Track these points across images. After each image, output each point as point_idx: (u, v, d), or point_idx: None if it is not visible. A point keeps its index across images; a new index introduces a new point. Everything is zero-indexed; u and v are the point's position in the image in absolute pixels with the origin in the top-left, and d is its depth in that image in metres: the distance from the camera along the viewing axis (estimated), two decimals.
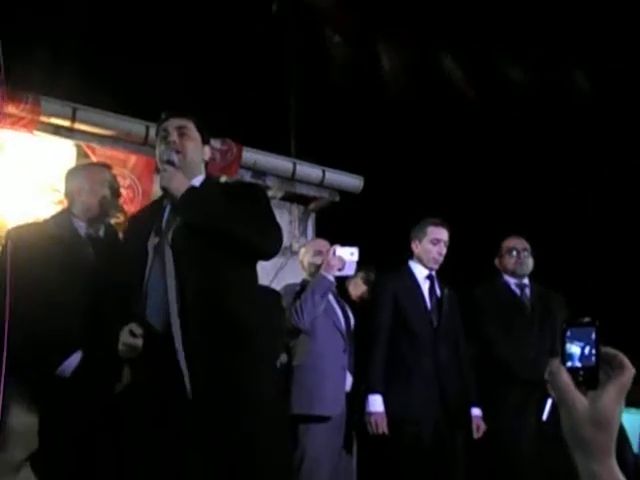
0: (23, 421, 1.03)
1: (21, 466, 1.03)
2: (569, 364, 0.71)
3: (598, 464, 0.63)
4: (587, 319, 0.74)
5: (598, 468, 0.63)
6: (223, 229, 1.66)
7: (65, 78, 3.77)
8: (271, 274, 4.22)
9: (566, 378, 0.68)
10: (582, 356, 0.72)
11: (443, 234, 2.71)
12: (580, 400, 0.66)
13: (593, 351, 0.71)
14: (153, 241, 1.71)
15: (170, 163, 1.74)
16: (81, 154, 3.60)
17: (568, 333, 0.73)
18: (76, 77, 3.87)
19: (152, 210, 1.84)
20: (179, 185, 1.71)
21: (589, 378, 0.70)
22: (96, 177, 2.12)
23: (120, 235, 2.27)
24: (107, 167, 2.23)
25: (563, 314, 2.86)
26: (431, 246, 2.69)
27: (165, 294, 1.61)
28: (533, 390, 2.61)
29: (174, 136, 1.79)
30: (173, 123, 1.82)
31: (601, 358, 0.71)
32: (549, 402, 2.55)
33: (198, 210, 1.69)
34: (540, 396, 2.58)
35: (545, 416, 2.54)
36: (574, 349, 0.72)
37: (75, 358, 1.82)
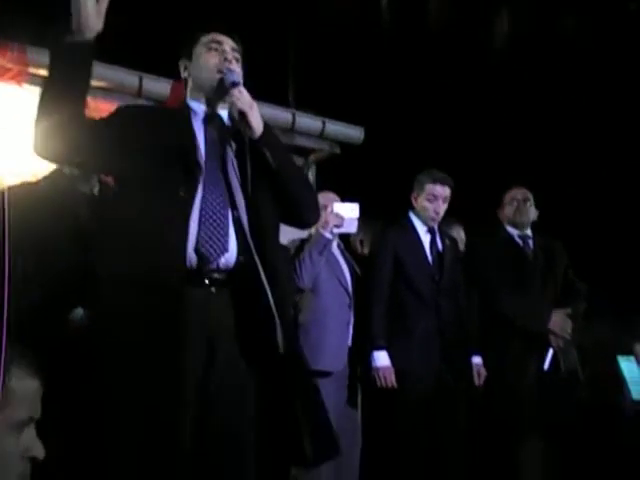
0: (23, 383, 1.02)
1: (23, 427, 1.02)
2: None
3: None
4: None
5: None
6: (292, 181, 1.51)
7: (53, 26, 3.61)
8: None
9: None
10: None
11: (440, 191, 2.64)
12: None
13: None
14: (204, 160, 1.44)
15: (240, 86, 1.47)
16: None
17: None
18: (65, 25, 3.70)
19: (183, 121, 1.52)
20: (258, 116, 1.46)
21: None
22: None
23: None
24: None
25: (564, 262, 2.87)
26: (427, 203, 2.65)
27: (234, 227, 1.39)
28: (535, 340, 2.63)
29: (231, 56, 1.54)
30: (229, 42, 1.57)
31: None
32: (550, 352, 2.58)
33: (280, 153, 1.51)
34: (541, 346, 2.61)
35: (546, 366, 2.57)
36: None
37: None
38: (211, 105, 1.55)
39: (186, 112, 1.55)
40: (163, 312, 1.28)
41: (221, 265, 1.38)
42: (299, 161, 4.59)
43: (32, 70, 3.25)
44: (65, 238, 1.86)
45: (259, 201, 1.44)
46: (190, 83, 1.58)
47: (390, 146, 5.23)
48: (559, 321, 2.62)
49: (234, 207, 1.43)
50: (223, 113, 1.57)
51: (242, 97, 1.46)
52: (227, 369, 1.36)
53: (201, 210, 1.39)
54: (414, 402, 2.44)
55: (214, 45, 1.55)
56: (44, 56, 3.37)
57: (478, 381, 2.58)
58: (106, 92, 3.55)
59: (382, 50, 5.11)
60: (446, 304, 2.57)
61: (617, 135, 5.03)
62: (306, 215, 1.61)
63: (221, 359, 1.36)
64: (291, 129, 4.31)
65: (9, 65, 3.11)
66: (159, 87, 3.70)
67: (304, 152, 4.50)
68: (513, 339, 2.65)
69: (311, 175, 4.61)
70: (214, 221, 1.39)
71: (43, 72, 3.38)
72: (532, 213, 2.88)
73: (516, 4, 4.87)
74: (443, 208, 2.67)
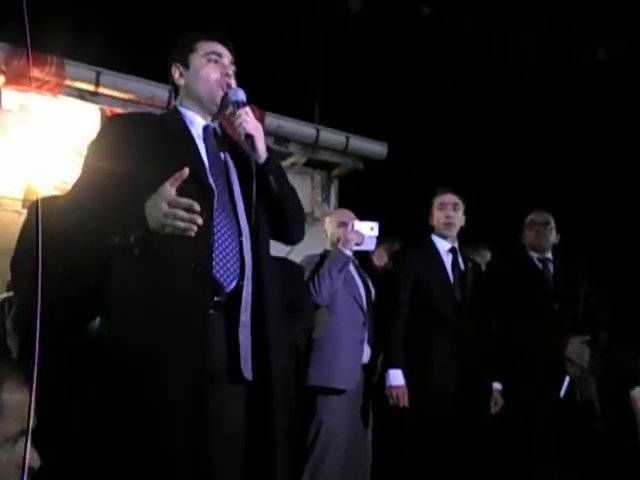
0: (14, 397, 1.06)
1: (17, 439, 1.06)
2: None
3: None
4: None
5: None
6: (289, 203, 1.53)
7: (89, 41, 3.76)
8: None
9: None
10: None
11: (447, 198, 2.71)
12: None
13: None
14: (216, 184, 1.41)
15: (246, 106, 1.43)
16: (105, 118, 3.63)
17: None
18: (100, 40, 3.85)
19: (182, 133, 1.47)
20: (263, 139, 1.45)
21: None
22: None
23: None
24: None
25: (585, 288, 2.83)
26: (439, 213, 2.71)
27: (239, 253, 1.38)
28: (551, 367, 2.59)
29: (231, 71, 1.51)
30: (227, 55, 1.52)
31: None
32: (567, 379, 2.54)
33: (282, 176, 1.51)
34: (558, 373, 2.57)
35: (562, 393, 2.53)
36: None
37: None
38: (209, 117, 1.52)
39: (180, 120, 1.49)
40: (186, 336, 1.28)
41: (227, 290, 1.36)
42: (322, 175, 4.65)
43: (68, 83, 3.39)
44: (86, 250, 1.93)
45: (259, 225, 1.44)
46: (183, 91, 1.52)
47: (413, 162, 5.24)
48: (576, 349, 2.57)
49: (240, 232, 1.41)
50: (215, 123, 1.55)
51: (250, 120, 1.43)
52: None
53: (215, 235, 1.36)
54: (431, 422, 2.42)
55: (214, 57, 1.50)
56: (80, 69, 3.51)
57: (494, 408, 2.57)
58: (137, 105, 3.67)
59: (407, 66, 5.14)
60: (467, 325, 2.55)
61: None
62: (297, 234, 1.62)
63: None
64: (315, 144, 4.36)
65: (47, 78, 3.24)
66: None
67: (327, 167, 4.55)
68: (529, 365, 2.60)
69: (334, 190, 4.66)
70: (226, 247, 1.37)
71: (79, 85, 3.52)
72: (552, 237, 2.85)
73: (541, 26, 4.85)
74: (457, 217, 2.69)
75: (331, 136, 4.36)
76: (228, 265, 1.37)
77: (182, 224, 1.23)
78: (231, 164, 1.50)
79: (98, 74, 3.45)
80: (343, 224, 2.65)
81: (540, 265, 2.84)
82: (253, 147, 1.43)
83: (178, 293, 1.30)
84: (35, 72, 3.19)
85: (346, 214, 2.76)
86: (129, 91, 3.60)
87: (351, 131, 4.40)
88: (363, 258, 2.91)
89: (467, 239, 2.88)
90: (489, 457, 2.50)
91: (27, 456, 0.72)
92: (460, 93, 5.32)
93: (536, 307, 2.70)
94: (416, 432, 2.44)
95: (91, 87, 3.48)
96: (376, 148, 4.52)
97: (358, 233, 2.54)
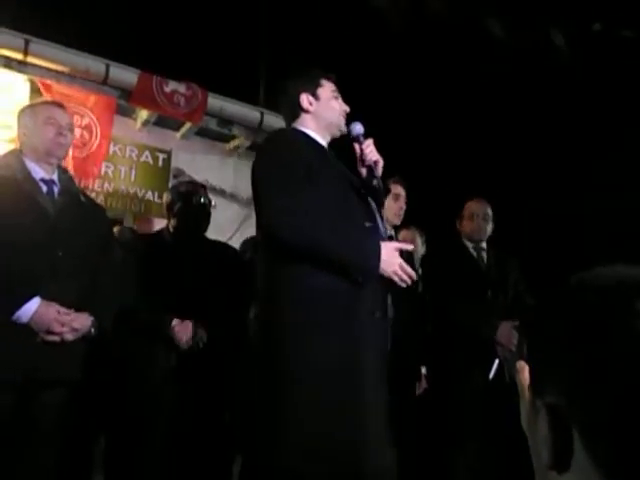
0: None
1: None
2: None
3: None
4: None
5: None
6: None
7: (18, 7, 3.51)
8: (234, 225, 4.19)
9: (528, 375, 0.76)
10: None
11: (400, 189, 2.79)
12: None
13: None
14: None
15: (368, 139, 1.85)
16: (35, 90, 3.41)
17: None
18: (31, 7, 3.60)
19: (327, 154, 1.83)
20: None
21: None
22: (40, 116, 1.99)
23: (74, 182, 2.19)
24: (56, 105, 2.10)
25: (515, 276, 2.95)
26: (392, 202, 2.76)
27: None
28: (481, 349, 2.70)
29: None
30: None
31: None
32: (496, 362, 2.65)
33: None
34: (488, 355, 2.68)
35: (491, 375, 2.64)
36: None
37: (33, 303, 1.78)
38: (328, 139, 1.88)
39: (316, 145, 1.81)
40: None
41: None
42: None
43: None
44: (23, 219, 1.84)
45: None
46: (312, 117, 1.86)
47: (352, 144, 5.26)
48: (506, 332, 2.68)
49: None
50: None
51: (374, 150, 1.81)
52: None
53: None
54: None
55: (336, 94, 1.91)
56: (6, 36, 3.27)
57: (418, 390, 2.68)
58: (72, 77, 3.48)
59: (350, 50, 5.15)
60: (401, 309, 2.62)
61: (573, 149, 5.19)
62: None
63: None
64: (259, 127, 4.31)
65: None
66: (126, 76, 3.65)
67: None
68: (460, 347, 2.69)
69: None
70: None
71: (5, 52, 3.28)
72: (489, 228, 2.94)
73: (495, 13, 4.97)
74: (404, 206, 2.79)
75: (275, 120, 4.31)
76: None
77: (402, 282, 1.69)
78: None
79: (27, 42, 3.23)
80: None
81: (474, 253, 2.92)
82: (374, 173, 1.79)
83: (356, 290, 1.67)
84: None
85: None
86: (62, 62, 3.40)
87: None
88: None
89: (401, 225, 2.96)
90: (416, 434, 2.60)
91: None
92: (398, 79, 5.38)
93: (470, 293, 2.78)
94: None
95: (19, 56, 3.26)
96: None
97: None
